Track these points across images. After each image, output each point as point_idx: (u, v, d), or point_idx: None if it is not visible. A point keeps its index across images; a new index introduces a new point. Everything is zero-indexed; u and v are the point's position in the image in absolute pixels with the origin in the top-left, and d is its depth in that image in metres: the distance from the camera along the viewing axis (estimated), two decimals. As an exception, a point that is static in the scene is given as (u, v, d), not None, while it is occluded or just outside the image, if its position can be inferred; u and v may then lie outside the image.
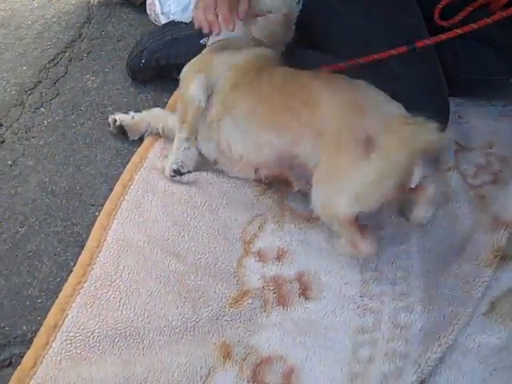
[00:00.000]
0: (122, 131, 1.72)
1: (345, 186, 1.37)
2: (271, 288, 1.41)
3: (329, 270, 1.46)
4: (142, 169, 1.67)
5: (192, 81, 1.58)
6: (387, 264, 1.47)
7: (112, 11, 2.33)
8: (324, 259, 1.48)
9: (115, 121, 1.72)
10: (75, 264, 1.43)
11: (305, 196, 1.52)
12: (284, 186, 1.60)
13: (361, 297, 1.41)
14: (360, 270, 1.46)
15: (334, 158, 1.40)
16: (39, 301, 1.39)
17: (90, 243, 1.48)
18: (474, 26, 1.60)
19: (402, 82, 1.60)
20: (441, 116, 1.61)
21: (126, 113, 1.74)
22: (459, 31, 1.60)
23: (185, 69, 1.64)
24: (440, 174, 1.70)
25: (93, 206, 1.59)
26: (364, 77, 1.58)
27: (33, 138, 1.79)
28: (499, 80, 1.76)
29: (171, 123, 1.68)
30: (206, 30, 1.60)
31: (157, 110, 1.74)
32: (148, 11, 2.25)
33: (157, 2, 2.16)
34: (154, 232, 1.50)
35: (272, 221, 1.55)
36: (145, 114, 1.72)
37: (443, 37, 1.62)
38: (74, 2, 2.41)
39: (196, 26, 1.62)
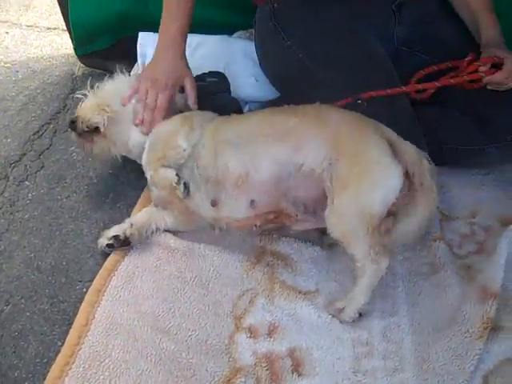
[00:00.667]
0: (126, 243, 1.63)
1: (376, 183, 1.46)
2: (263, 365, 1.39)
3: (320, 346, 1.45)
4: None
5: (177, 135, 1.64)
6: (378, 337, 1.48)
7: (96, 82, 2.33)
8: (315, 334, 1.47)
9: (118, 237, 1.62)
10: (63, 344, 1.40)
11: (294, 267, 1.59)
12: (277, 229, 1.64)
13: (354, 373, 1.39)
14: (352, 345, 1.45)
15: (358, 157, 1.47)
16: (26, 383, 1.33)
17: (78, 321, 1.45)
18: (419, 86, 1.76)
19: None
20: None
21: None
22: (404, 88, 1.72)
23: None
24: (426, 245, 1.68)
25: (80, 282, 1.57)
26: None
27: (17, 212, 1.77)
28: (480, 149, 1.79)
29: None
30: (137, 123, 1.72)
31: (150, 210, 1.70)
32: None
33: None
34: (144, 309, 1.49)
35: (262, 295, 1.55)
36: (141, 216, 1.67)
37: (389, 91, 1.68)
38: (57, 73, 2.43)
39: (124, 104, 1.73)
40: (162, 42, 1.71)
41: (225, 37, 2.25)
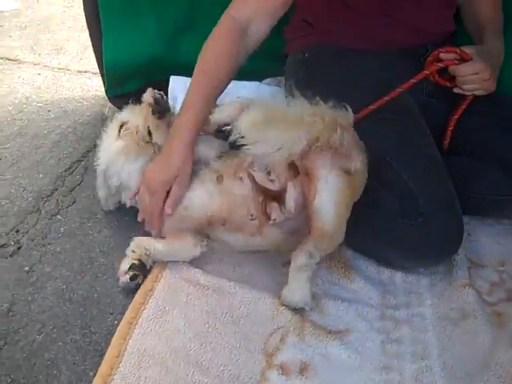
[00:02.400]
0: (144, 268, 1.67)
1: None
2: (296, 403, 1.36)
3: (352, 387, 1.42)
4: (162, 279, 1.67)
5: None
6: (410, 381, 1.47)
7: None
8: (346, 374, 1.48)
9: (134, 264, 1.65)
10: (95, 374, 1.40)
11: (321, 307, 1.62)
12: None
13: (387, 415, 1.36)
14: (384, 387, 1.43)
15: None
16: (58, 413, 1.32)
17: (110, 353, 1.45)
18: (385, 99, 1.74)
19: (419, 200, 1.62)
20: (455, 233, 1.65)
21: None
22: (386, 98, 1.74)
23: None
24: (455, 291, 1.69)
25: (111, 314, 1.57)
26: (379, 190, 1.63)
27: (49, 244, 1.79)
28: (508, 199, 1.80)
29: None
30: (139, 219, 1.74)
31: (139, 239, 1.71)
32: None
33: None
34: (176, 342, 1.49)
35: (293, 333, 1.55)
36: (134, 244, 1.68)
37: (373, 107, 1.73)
38: (88, 113, 2.48)
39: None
40: (171, 133, 1.67)
41: (253, 83, 2.29)
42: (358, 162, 1.54)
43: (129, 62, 2.35)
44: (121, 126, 1.77)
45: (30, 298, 1.61)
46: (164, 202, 1.64)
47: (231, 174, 1.66)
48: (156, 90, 1.71)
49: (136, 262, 1.62)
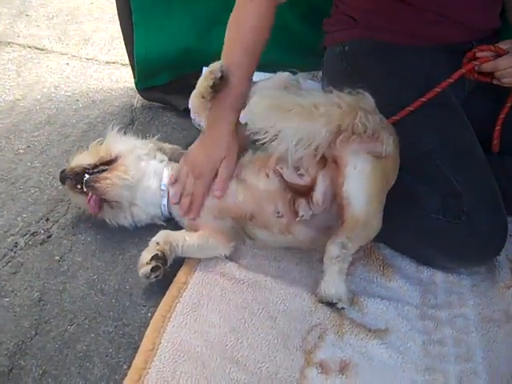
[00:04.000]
0: (165, 261, 1.58)
1: None
2: (337, 403, 1.31)
3: (395, 387, 1.36)
4: (196, 272, 1.62)
5: None
6: (455, 381, 1.42)
7: (155, 114, 2.36)
8: (388, 375, 1.43)
9: (156, 255, 1.56)
10: (129, 367, 1.35)
11: (360, 306, 1.57)
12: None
13: (431, 417, 1.31)
14: (427, 388, 1.37)
15: None
16: (91, 406, 1.28)
17: (145, 346, 1.41)
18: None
19: (462, 198, 1.56)
20: (500, 233, 1.60)
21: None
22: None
23: None
24: (498, 292, 1.65)
25: (144, 306, 1.53)
26: (420, 187, 1.58)
27: (80, 234, 1.75)
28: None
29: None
30: (172, 202, 1.70)
31: (166, 231, 1.64)
32: (192, 115, 2.27)
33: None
34: (212, 337, 1.44)
35: (332, 331, 1.50)
36: (160, 235, 1.62)
37: (411, 108, 1.67)
38: (117, 104, 2.43)
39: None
40: (213, 116, 1.65)
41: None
42: (388, 145, 1.47)
43: (160, 55, 2.30)
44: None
45: (61, 288, 1.57)
46: (207, 187, 1.63)
47: (254, 170, 1.62)
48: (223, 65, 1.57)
49: (159, 253, 1.53)
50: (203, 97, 1.59)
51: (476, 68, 1.75)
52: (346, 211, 1.46)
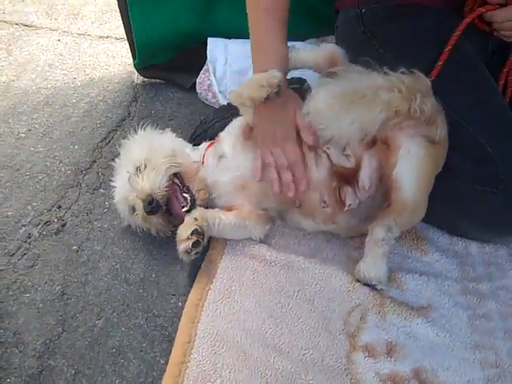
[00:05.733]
0: (203, 237, 1.48)
1: None
2: (390, 387, 1.24)
3: (446, 367, 1.33)
4: (224, 256, 1.53)
5: None
6: (507, 359, 1.35)
7: (158, 90, 2.25)
8: (437, 354, 1.35)
9: (196, 230, 1.46)
10: (166, 362, 1.28)
11: (399, 282, 1.51)
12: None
13: (488, 397, 1.25)
14: (480, 366, 1.34)
15: None
16: (132, 406, 1.20)
17: (180, 338, 1.33)
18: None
19: (499, 166, 1.49)
20: None
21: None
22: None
23: None
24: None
25: (173, 295, 1.44)
26: (453, 156, 1.50)
27: (96, 220, 1.64)
28: None
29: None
30: (277, 190, 1.51)
31: (201, 209, 1.54)
32: (198, 90, 2.18)
33: (214, 82, 2.07)
34: (249, 325, 1.36)
35: (373, 311, 1.42)
36: (198, 211, 1.52)
37: (441, 62, 1.57)
38: (116, 80, 2.32)
39: (258, 179, 1.55)
40: None
41: (298, 43, 2.12)
42: (442, 130, 1.40)
43: (162, 37, 2.18)
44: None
45: (83, 280, 1.48)
46: (299, 146, 1.51)
47: (311, 149, 1.50)
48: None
49: (198, 228, 1.43)
50: (253, 102, 1.44)
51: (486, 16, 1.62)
52: (395, 194, 1.40)
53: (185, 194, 1.52)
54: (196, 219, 1.46)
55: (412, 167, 1.39)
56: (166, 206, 1.50)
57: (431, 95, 1.39)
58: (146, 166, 1.50)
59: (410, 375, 1.29)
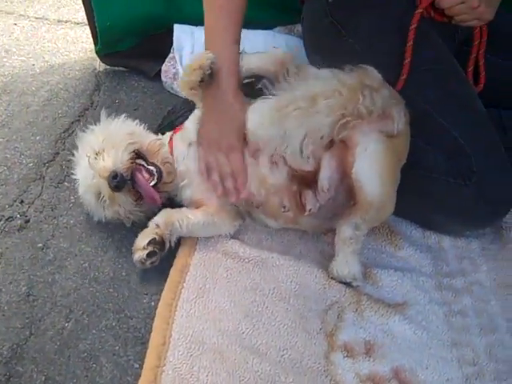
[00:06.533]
0: (162, 246, 1.45)
1: None
2: (370, 387, 1.22)
3: (425, 366, 1.32)
4: (196, 252, 1.49)
5: None
6: (484, 356, 1.34)
7: (121, 79, 2.18)
8: (415, 353, 1.35)
9: (154, 240, 1.43)
10: (140, 366, 1.24)
11: (374, 278, 1.49)
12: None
13: (467, 396, 1.24)
14: (458, 365, 1.33)
15: None
16: (106, 413, 1.15)
17: (155, 340, 1.29)
18: None
19: (471, 158, 1.49)
20: (510, 190, 1.54)
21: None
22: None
23: None
24: (510, 254, 1.62)
25: (145, 294, 1.40)
26: (424, 148, 1.52)
27: (61, 216, 1.58)
28: None
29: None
30: (218, 194, 1.50)
31: (167, 210, 1.52)
32: (163, 78, 2.12)
33: (180, 70, 2.01)
34: (225, 325, 1.33)
35: (350, 309, 1.41)
36: (162, 216, 1.49)
37: (409, 58, 1.53)
38: (77, 67, 2.24)
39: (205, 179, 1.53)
40: (210, 91, 1.47)
41: (267, 32, 2.10)
42: (399, 122, 1.37)
43: (125, 21, 2.10)
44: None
45: (49, 279, 1.42)
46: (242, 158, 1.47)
47: (268, 155, 1.46)
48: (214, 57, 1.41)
49: (157, 237, 1.40)
50: (192, 88, 1.43)
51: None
52: (358, 192, 1.37)
53: (150, 167, 1.46)
54: (158, 226, 1.42)
55: (371, 164, 1.37)
56: (132, 180, 1.43)
57: (383, 88, 1.37)
58: (104, 150, 1.44)
59: (389, 375, 1.28)
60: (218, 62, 1.42)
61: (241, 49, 1.51)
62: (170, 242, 1.44)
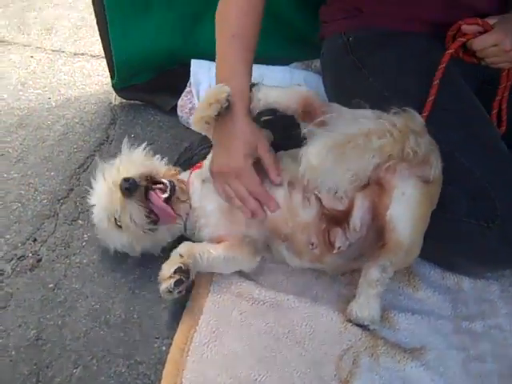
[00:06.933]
0: (188, 275, 1.42)
1: None
2: None
3: (443, 414, 1.24)
4: (210, 294, 1.46)
5: None
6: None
7: (137, 113, 2.17)
8: (433, 401, 1.27)
9: (180, 268, 1.40)
10: (150, 416, 1.17)
11: (391, 321, 1.45)
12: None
13: None
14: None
15: None
16: None
17: (165, 388, 1.23)
18: None
19: (495, 200, 1.46)
20: None
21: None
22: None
23: None
24: None
25: (157, 338, 1.37)
26: (447, 189, 1.46)
27: (74, 255, 1.56)
28: None
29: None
30: (246, 216, 1.47)
31: (188, 243, 1.50)
32: (179, 113, 2.11)
33: (196, 104, 2.00)
34: (238, 371, 1.30)
35: (366, 353, 1.37)
36: (184, 247, 1.46)
37: (433, 97, 1.52)
38: (93, 101, 2.23)
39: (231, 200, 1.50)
40: (222, 121, 1.45)
41: (284, 67, 2.08)
42: (436, 169, 1.35)
43: (142, 56, 2.10)
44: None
45: (60, 322, 1.40)
46: (256, 176, 1.45)
47: (302, 189, 1.45)
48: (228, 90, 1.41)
49: (182, 266, 1.37)
50: (207, 122, 1.42)
51: (467, 44, 1.58)
52: (389, 235, 1.34)
53: (164, 180, 1.47)
54: (181, 256, 1.40)
55: (407, 208, 1.34)
56: (145, 196, 1.45)
57: (425, 134, 1.35)
58: (119, 169, 1.46)
59: (406, 425, 1.22)
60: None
61: (258, 80, 1.49)
62: (194, 272, 1.41)
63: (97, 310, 1.43)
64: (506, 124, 1.66)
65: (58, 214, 1.68)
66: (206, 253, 1.44)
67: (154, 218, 1.46)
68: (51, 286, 1.48)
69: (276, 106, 1.48)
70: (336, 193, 1.35)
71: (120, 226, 1.43)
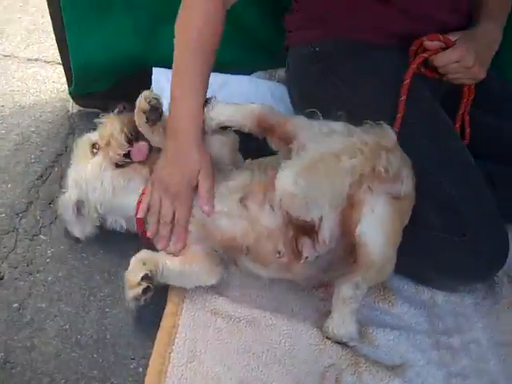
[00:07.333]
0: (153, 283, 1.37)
1: None
2: None
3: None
4: (183, 311, 1.41)
5: None
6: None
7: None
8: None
9: (147, 275, 1.36)
10: None
11: (370, 338, 1.44)
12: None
13: None
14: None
15: None
16: None
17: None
18: None
19: (465, 213, 1.48)
20: (504, 248, 1.51)
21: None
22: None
23: None
24: (504, 311, 1.61)
25: (132, 359, 1.31)
26: (424, 207, 1.46)
27: (37, 272, 1.49)
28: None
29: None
30: (150, 235, 1.49)
31: (145, 252, 1.45)
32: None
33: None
34: (220, 393, 1.22)
35: (348, 371, 1.35)
36: (144, 254, 1.43)
37: (401, 113, 1.53)
38: (49, 109, 2.14)
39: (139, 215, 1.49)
40: (171, 129, 1.45)
41: (249, 77, 2.05)
42: (407, 185, 1.34)
43: (102, 60, 2.02)
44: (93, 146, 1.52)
45: (28, 344, 1.32)
46: (189, 210, 1.44)
47: (259, 199, 1.41)
48: (152, 93, 1.45)
49: (148, 273, 1.33)
50: (153, 131, 1.47)
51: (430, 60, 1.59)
52: (359, 251, 1.32)
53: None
54: (144, 263, 1.35)
55: (377, 225, 1.32)
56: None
57: (397, 150, 1.34)
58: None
59: None
60: (181, 108, 1.42)
61: (212, 95, 1.47)
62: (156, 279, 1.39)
63: (67, 331, 1.36)
64: (469, 137, 1.68)
65: (17, 229, 1.60)
66: (163, 263, 1.39)
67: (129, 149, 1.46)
68: (16, 305, 1.40)
69: (230, 125, 1.46)
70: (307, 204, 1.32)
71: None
